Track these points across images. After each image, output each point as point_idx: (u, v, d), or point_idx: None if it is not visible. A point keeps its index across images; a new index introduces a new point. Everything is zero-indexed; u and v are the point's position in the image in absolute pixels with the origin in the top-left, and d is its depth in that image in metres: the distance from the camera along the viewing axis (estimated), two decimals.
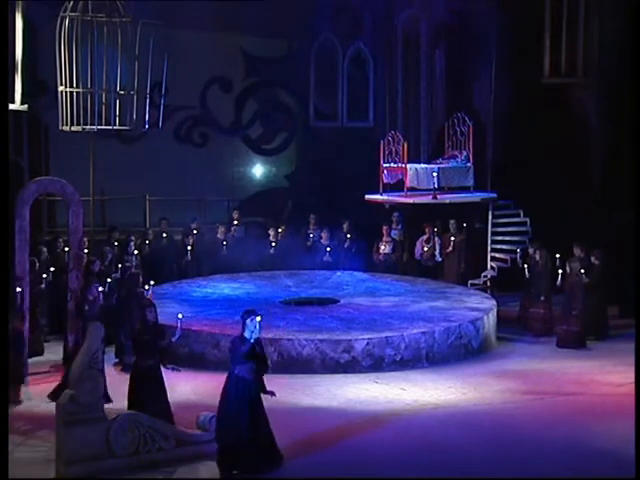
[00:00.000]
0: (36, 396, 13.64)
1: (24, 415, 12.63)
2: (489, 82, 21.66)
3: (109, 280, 15.75)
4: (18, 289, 14.24)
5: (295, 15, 22.16)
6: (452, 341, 15.79)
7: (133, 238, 18.68)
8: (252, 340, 10.83)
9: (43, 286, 16.17)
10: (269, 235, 20.12)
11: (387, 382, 14.43)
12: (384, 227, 20.07)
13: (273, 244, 20.01)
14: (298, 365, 14.85)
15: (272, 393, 11.10)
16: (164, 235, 19.94)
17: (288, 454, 11.37)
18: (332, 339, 15.05)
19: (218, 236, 20.12)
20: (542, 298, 17.52)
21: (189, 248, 19.52)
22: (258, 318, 10.89)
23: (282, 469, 11.01)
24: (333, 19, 23.01)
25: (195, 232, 20.09)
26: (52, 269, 16.58)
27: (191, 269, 19.72)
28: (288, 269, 19.68)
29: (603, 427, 12.40)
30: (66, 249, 17.07)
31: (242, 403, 10.78)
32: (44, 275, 16.20)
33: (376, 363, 15.10)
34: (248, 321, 10.88)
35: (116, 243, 18.52)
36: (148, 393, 11.75)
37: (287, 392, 13.78)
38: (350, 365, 14.98)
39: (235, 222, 20.74)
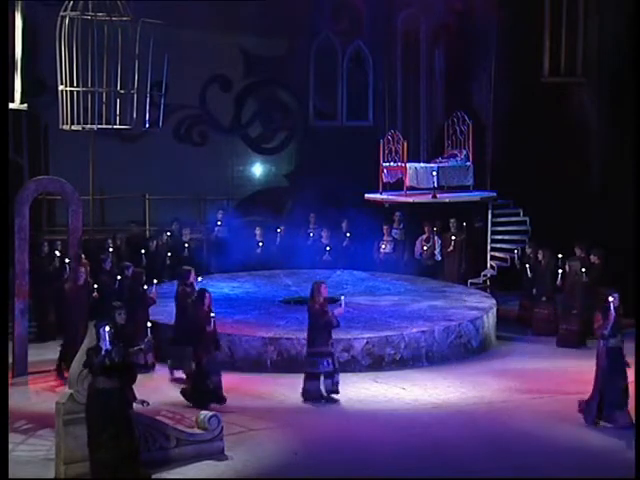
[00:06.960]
0: (36, 395, 13.65)
1: (24, 414, 12.61)
2: (489, 81, 21.66)
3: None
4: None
5: (294, 14, 22.16)
6: (452, 340, 15.78)
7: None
8: (106, 349, 10.33)
9: None
10: (255, 235, 19.98)
11: (387, 381, 14.42)
12: (385, 226, 20.07)
13: (260, 244, 19.89)
14: (298, 364, 14.75)
15: (144, 402, 10.83)
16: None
17: (287, 453, 11.38)
18: None
19: (183, 238, 19.51)
20: (543, 299, 17.51)
21: (142, 251, 18.42)
22: (107, 328, 10.39)
23: (282, 468, 11.01)
24: (333, 18, 23.02)
25: (169, 234, 19.48)
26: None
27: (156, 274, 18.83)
28: (288, 268, 19.67)
29: (603, 426, 12.40)
30: (55, 252, 17.00)
31: (106, 418, 10.26)
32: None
33: (376, 362, 15.10)
34: (101, 331, 10.38)
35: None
36: None
37: (287, 391, 13.79)
38: (350, 364, 14.94)
39: (219, 222, 20.52)
